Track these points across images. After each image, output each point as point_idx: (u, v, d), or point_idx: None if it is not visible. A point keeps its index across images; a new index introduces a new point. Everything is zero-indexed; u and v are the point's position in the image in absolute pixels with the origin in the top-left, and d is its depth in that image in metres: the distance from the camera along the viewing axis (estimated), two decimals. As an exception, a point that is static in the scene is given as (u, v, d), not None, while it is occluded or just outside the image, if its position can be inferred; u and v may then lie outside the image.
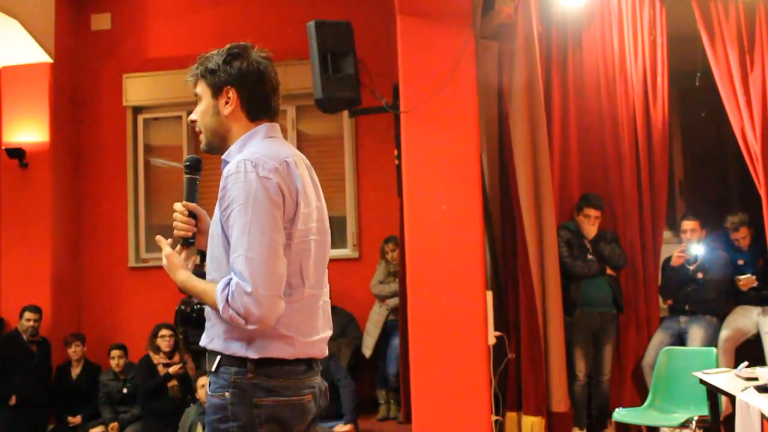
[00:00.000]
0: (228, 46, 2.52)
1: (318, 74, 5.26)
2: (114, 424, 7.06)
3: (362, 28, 5.85)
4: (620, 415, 5.57)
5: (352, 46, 5.39)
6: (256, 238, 2.25)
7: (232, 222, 2.29)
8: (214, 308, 2.33)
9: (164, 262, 2.51)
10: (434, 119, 5.34)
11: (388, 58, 5.96)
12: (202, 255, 2.55)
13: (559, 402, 5.72)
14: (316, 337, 2.46)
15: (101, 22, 8.60)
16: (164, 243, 2.53)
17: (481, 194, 5.43)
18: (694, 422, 5.12)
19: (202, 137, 2.56)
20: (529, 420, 5.65)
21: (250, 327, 2.26)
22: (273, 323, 2.29)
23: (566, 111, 6.22)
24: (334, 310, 7.81)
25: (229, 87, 2.48)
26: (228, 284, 2.26)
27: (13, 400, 7.10)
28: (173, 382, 6.80)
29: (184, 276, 2.46)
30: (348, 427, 6.27)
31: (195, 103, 2.59)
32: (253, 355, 2.33)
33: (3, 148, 7.99)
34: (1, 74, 8.16)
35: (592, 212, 5.99)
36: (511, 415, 5.80)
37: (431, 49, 5.38)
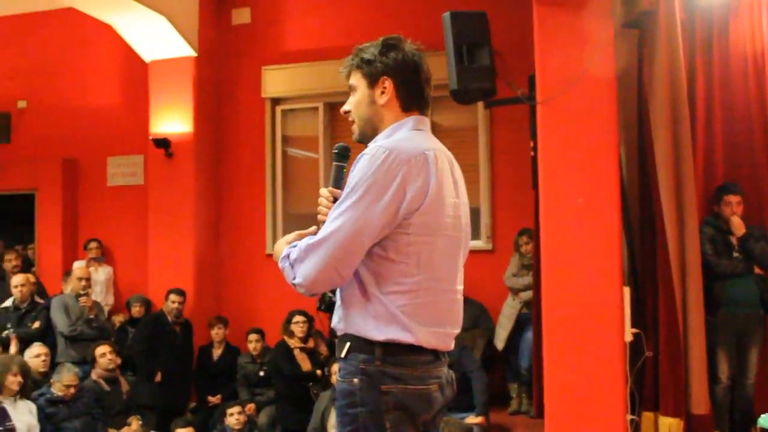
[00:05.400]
0: (383, 37, 2.56)
1: (453, 65, 5.24)
2: (251, 405, 7.26)
3: (498, 18, 5.80)
4: (766, 421, 5.32)
5: (488, 36, 5.34)
6: (347, 219, 2.32)
7: (343, 197, 2.36)
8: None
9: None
10: (571, 111, 5.23)
11: (524, 48, 5.89)
12: None
13: (699, 404, 5.51)
14: (440, 330, 2.46)
15: (241, 16, 8.91)
16: (293, 234, 2.57)
17: (619, 188, 5.29)
18: None
19: (355, 127, 2.60)
20: (667, 421, 5.48)
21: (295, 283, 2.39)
22: (312, 291, 2.40)
23: (711, 104, 5.96)
24: (466, 300, 7.85)
25: (385, 77, 2.51)
26: (297, 245, 2.39)
27: (158, 377, 7.42)
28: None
29: (277, 242, 2.56)
30: (479, 419, 6.27)
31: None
32: (376, 335, 2.37)
33: (150, 138, 8.41)
34: (149, 68, 8.58)
35: (732, 198, 5.71)
36: (647, 415, 5.65)
37: (568, 38, 5.27)
